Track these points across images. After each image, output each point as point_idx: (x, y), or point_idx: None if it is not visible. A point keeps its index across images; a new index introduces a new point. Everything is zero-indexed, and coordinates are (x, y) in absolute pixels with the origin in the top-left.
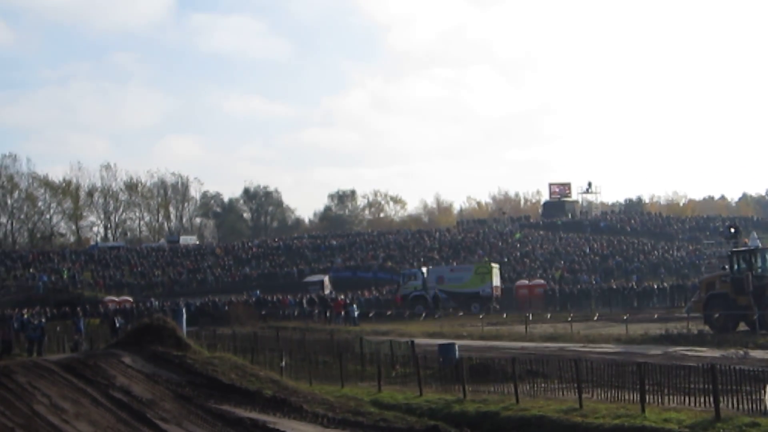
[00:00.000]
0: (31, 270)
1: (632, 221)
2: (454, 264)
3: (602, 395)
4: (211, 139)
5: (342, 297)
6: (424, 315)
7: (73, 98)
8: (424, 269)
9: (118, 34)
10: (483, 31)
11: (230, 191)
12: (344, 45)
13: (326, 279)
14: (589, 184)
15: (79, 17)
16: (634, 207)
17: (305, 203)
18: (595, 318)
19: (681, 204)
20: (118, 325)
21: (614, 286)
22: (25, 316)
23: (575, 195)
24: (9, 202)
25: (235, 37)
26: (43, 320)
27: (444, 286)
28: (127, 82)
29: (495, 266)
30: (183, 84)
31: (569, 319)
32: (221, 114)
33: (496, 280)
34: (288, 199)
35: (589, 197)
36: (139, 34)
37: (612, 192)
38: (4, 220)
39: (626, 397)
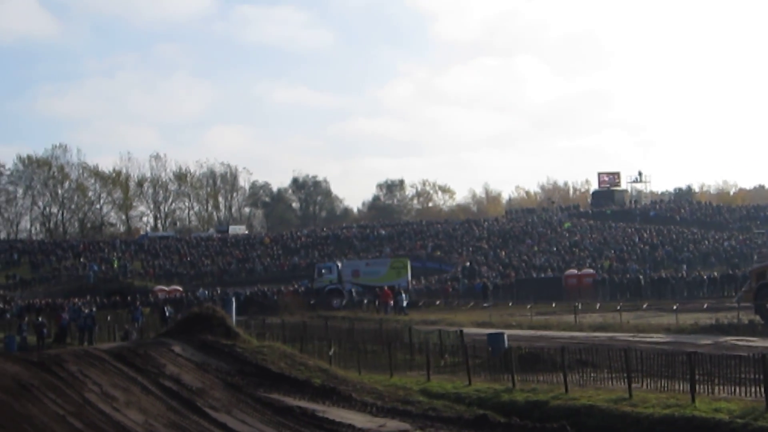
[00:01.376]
0: (81, 260)
1: (682, 210)
2: (369, 258)
3: (652, 385)
4: (258, 129)
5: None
6: (343, 303)
7: (120, 89)
8: (339, 263)
9: (164, 26)
10: (529, 20)
11: (279, 181)
12: (389, 34)
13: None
14: (639, 173)
15: (126, 9)
16: (683, 196)
17: (353, 193)
18: (645, 308)
19: (731, 193)
20: (167, 314)
21: (664, 276)
22: (77, 306)
23: (624, 184)
24: (60, 192)
25: (280, 27)
26: (94, 309)
27: (360, 279)
28: (174, 73)
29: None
30: (229, 75)
31: (618, 308)
32: (268, 104)
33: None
34: (336, 189)
35: (639, 186)
36: (184, 25)
37: (662, 181)
38: (55, 210)
39: (676, 386)
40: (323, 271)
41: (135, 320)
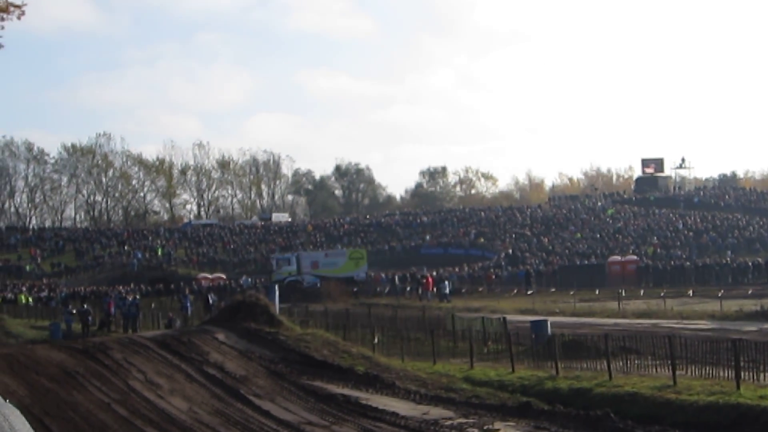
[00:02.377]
0: (125, 247)
1: (726, 196)
2: (328, 250)
3: (696, 372)
4: (299, 117)
5: (433, 274)
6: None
7: (161, 78)
8: (296, 255)
9: (204, 15)
10: (569, 4)
11: (321, 168)
12: (428, 21)
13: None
14: (683, 159)
15: None
16: (728, 182)
17: (396, 180)
18: (689, 294)
19: None
20: (211, 302)
21: (708, 262)
22: (121, 294)
23: (668, 170)
24: (104, 180)
25: (320, 16)
26: (138, 297)
27: (319, 271)
28: (214, 62)
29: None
30: (269, 63)
31: (662, 295)
32: (308, 92)
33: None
34: (379, 176)
35: (683, 172)
36: (224, 14)
37: (706, 167)
38: (99, 198)
39: (721, 374)
40: (281, 263)
41: (184, 308)
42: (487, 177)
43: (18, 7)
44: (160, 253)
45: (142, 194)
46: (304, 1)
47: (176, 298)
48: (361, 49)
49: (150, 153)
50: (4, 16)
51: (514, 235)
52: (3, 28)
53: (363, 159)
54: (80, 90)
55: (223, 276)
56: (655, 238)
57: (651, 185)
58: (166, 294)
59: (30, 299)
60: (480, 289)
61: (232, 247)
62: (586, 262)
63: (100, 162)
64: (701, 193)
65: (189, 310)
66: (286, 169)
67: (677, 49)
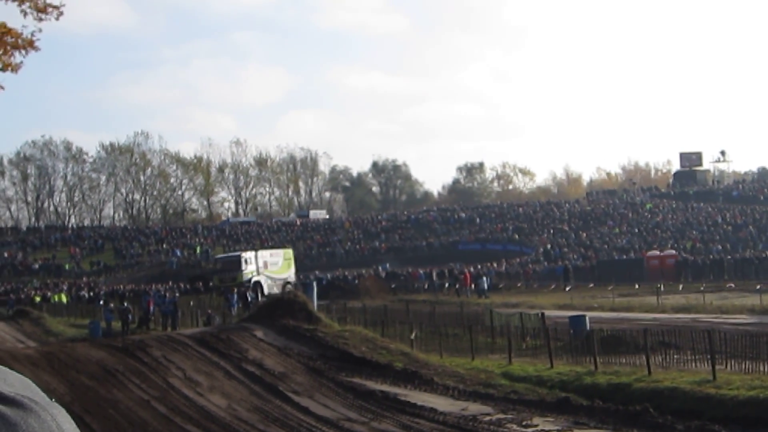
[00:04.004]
0: (164, 246)
1: (766, 189)
2: (272, 249)
3: (736, 366)
4: (335, 114)
5: (471, 270)
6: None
7: (196, 77)
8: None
9: (237, 14)
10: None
11: (359, 165)
12: (460, 17)
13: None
14: (722, 153)
15: None
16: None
17: (433, 176)
18: (728, 288)
19: None
20: (249, 299)
21: (748, 256)
22: (160, 292)
23: (707, 164)
24: (142, 179)
25: (352, 13)
26: (177, 295)
27: (267, 271)
28: (247, 60)
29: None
30: (303, 61)
31: (702, 289)
32: (343, 89)
33: None
34: (416, 172)
35: (721, 166)
36: (257, 13)
37: (745, 160)
38: (137, 196)
39: (761, 368)
40: (246, 261)
41: (231, 306)
42: (525, 172)
43: (56, 8)
44: (198, 251)
45: (180, 192)
46: None
47: (221, 296)
48: (394, 46)
49: (188, 151)
50: (42, 16)
51: (552, 231)
52: (41, 30)
53: (400, 155)
54: (117, 89)
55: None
56: (694, 232)
57: (689, 179)
58: (204, 292)
59: (69, 298)
60: (518, 284)
61: (270, 244)
62: (624, 256)
63: (138, 160)
64: (740, 186)
65: (235, 308)
66: (324, 166)
67: (717, 41)
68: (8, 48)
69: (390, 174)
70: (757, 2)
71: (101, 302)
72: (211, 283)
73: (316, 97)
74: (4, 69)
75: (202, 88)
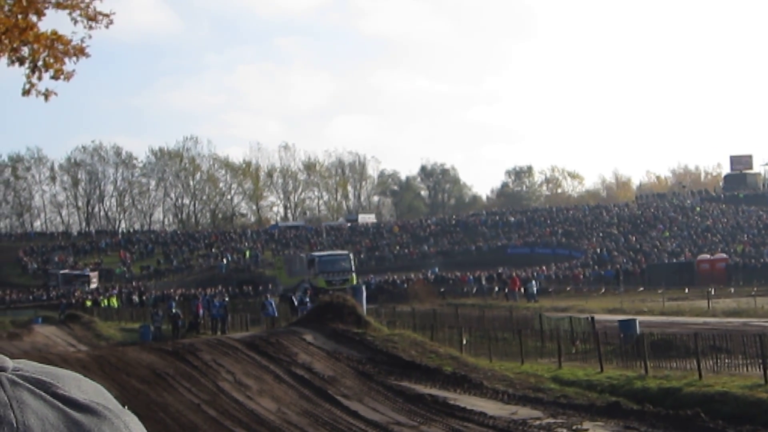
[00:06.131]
0: (213, 250)
1: None
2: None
3: None
4: (380, 119)
5: (520, 274)
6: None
7: (241, 82)
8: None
9: (280, 19)
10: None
11: (407, 169)
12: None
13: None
14: None
15: (243, 4)
16: None
17: (481, 180)
18: None
19: None
20: (296, 303)
21: None
22: (210, 296)
23: (757, 167)
24: (191, 183)
25: (396, 18)
26: (227, 299)
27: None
28: (292, 65)
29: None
30: (347, 66)
31: (753, 293)
32: (388, 94)
33: None
34: (464, 176)
35: None
36: (300, 18)
37: None
38: (187, 201)
39: None
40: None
41: (267, 313)
42: (574, 176)
43: (107, 15)
44: (247, 255)
45: (229, 197)
46: (380, 4)
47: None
48: (438, 51)
49: (236, 156)
50: (93, 24)
51: (601, 234)
52: (90, 36)
53: (447, 159)
54: (162, 95)
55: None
56: (745, 235)
57: (740, 182)
58: (254, 296)
59: (120, 302)
60: (567, 288)
61: (318, 248)
62: (674, 260)
63: (187, 165)
64: None
65: (274, 314)
66: (372, 170)
67: (766, 43)
68: (59, 55)
69: (438, 178)
70: None
71: (151, 306)
72: (305, 287)
73: (361, 102)
74: (56, 77)
75: (247, 93)
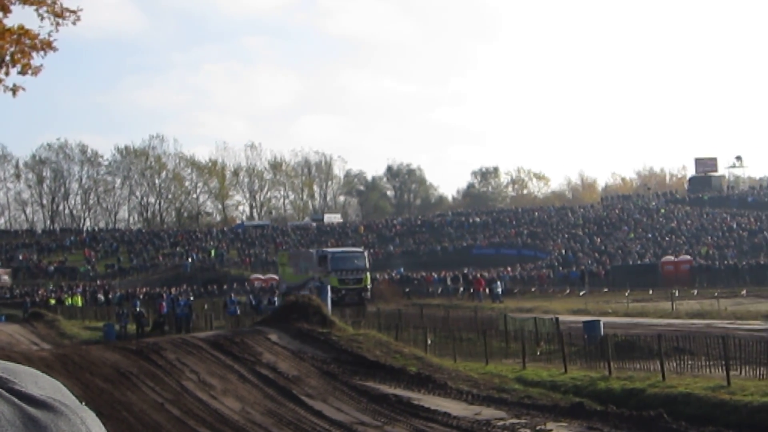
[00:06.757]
0: (178, 249)
1: None
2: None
3: (751, 372)
4: (346, 119)
5: (485, 274)
6: None
7: (207, 81)
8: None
9: (246, 19)
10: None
11: (373, 169)
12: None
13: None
14: (738, 158)
15: (209, 3)
16: None
17: (447, 180)
18: (743, 294)
19: None
20: (269, 303)
21: (762, 262)
22: (174, 295)
23: (722, 169)
24: (157, 182)
25: (362, 19)
26: (191, 298)
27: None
28: (258, 65)
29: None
30: (314, 65)
31: (716, 295)
32: (354, 94)
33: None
34: (430, 177)
35: (737, 171)
36: (265, 18)
37: (760, 166)
38: (152, 199)
39: None
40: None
41: (230, 312)
42: (539, 177)
43: (73, 12)
44: (212, 254)
45: (194, 196)
46: (346, 4)
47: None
48: (403, 52)
49: (202, 154)
50: (60, 21)
51: (566, 235)
52: (57, 30)
53: (413, 159)
54: (128, 93)
55: (276, 277)
56: (709, 237)
57: (704, 185)
58: (219, 295)
59: (84, 301)
60: (532, 289)
61: (284, 248)
62: (639, 262)
63: (153, 164)
64: (755, 192)
65: (236, 313)
66: (338, 170)
67: (730, 47)
68: (27, 50)
69: (404, 178)
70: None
71: (116, 305)
72: (315, 285)
73: (327, 102)
74: (23, 72)
75: (213, 92)
